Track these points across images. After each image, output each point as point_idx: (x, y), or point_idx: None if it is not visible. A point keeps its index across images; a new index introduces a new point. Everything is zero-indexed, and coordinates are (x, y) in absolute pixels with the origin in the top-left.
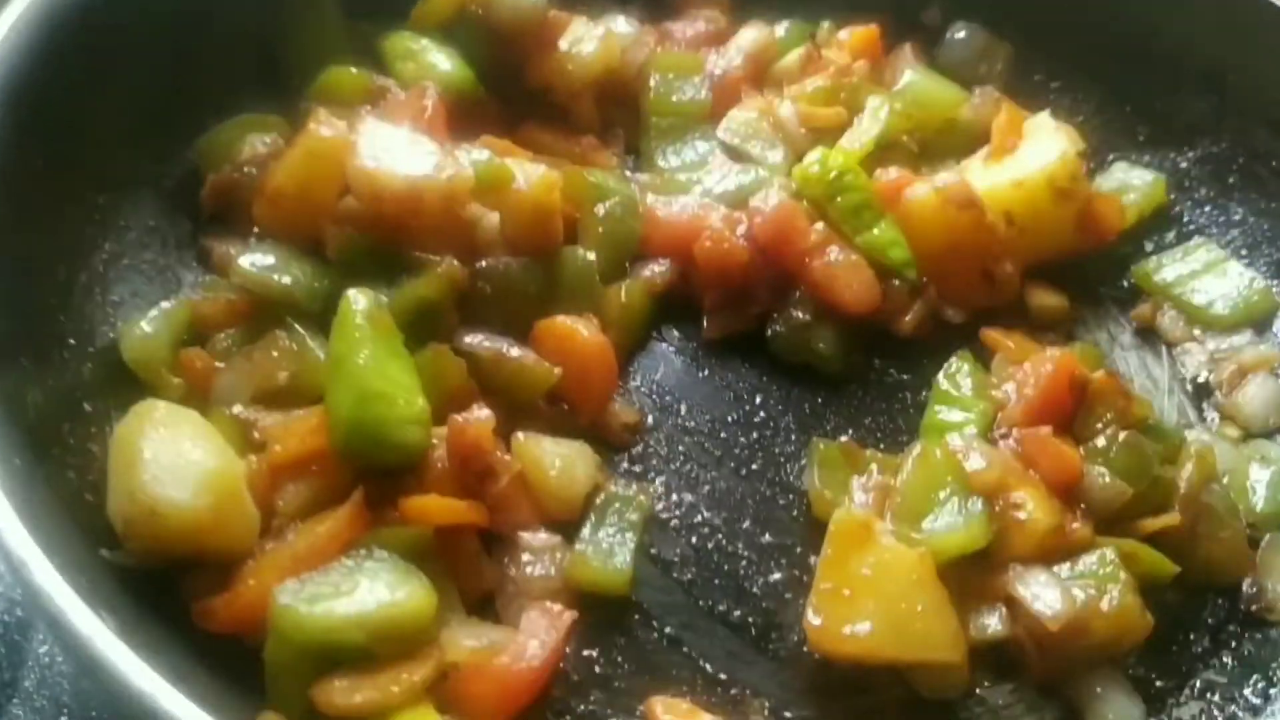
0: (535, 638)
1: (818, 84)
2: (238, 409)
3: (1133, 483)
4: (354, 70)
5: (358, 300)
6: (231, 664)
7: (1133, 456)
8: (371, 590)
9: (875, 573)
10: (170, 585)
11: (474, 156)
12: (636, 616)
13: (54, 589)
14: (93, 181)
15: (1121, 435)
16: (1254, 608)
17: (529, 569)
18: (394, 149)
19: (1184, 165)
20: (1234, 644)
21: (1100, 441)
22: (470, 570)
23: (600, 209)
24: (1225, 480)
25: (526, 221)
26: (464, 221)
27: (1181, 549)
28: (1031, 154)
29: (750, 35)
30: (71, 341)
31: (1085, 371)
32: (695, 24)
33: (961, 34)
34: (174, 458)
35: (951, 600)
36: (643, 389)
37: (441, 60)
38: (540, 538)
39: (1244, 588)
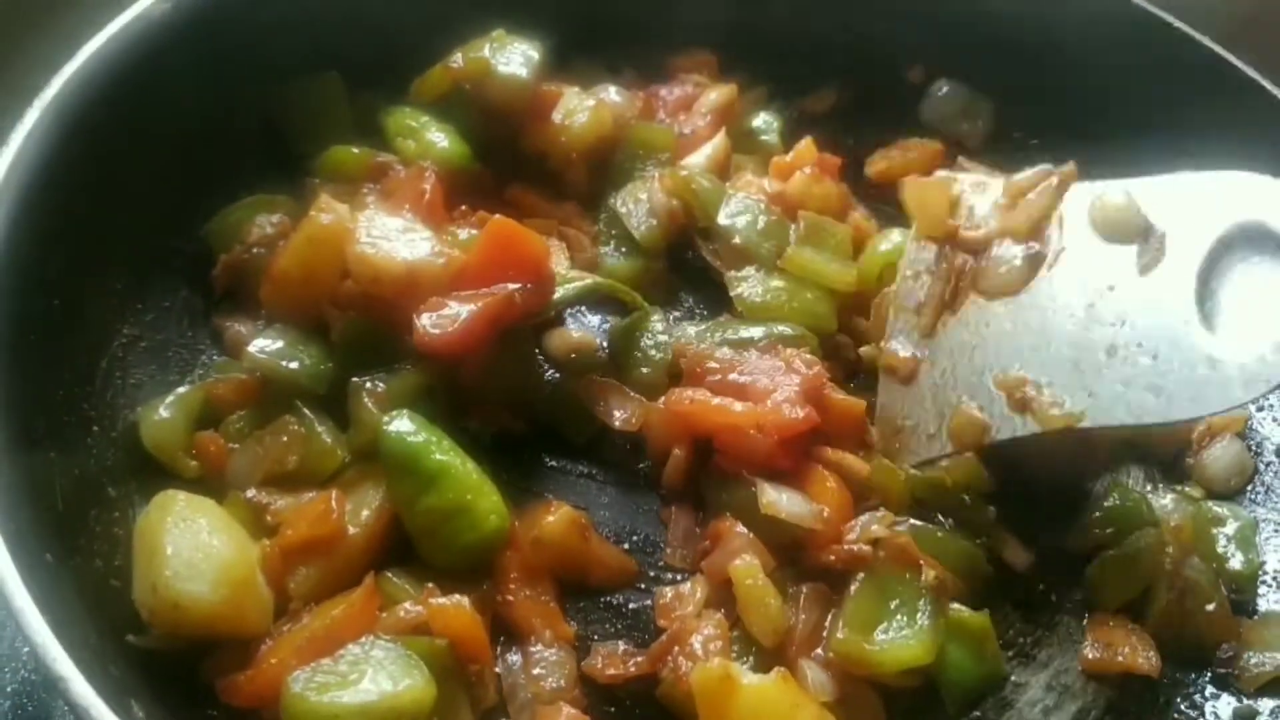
0: None
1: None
2: (251, 493)
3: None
4: (355, 150)
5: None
6: None
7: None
8: (375, 680)
9: (754, 717)
10: (194, 664)
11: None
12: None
13: (88, 702)
14: (110, 269)
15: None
16: (1223, 671)
17: (543, 682)
18: (391, 234)
19: None
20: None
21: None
22: (481, 683)
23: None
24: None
25: None
26: None
27: (1170, 626)
28: None
29: (713, 96)
30: (95, 429)
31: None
32: (684, 87)
33: (944, 91)
34: (193, 551)
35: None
36: None
37: (440, 138)
38: (551, 652)
39: (1219, 651)
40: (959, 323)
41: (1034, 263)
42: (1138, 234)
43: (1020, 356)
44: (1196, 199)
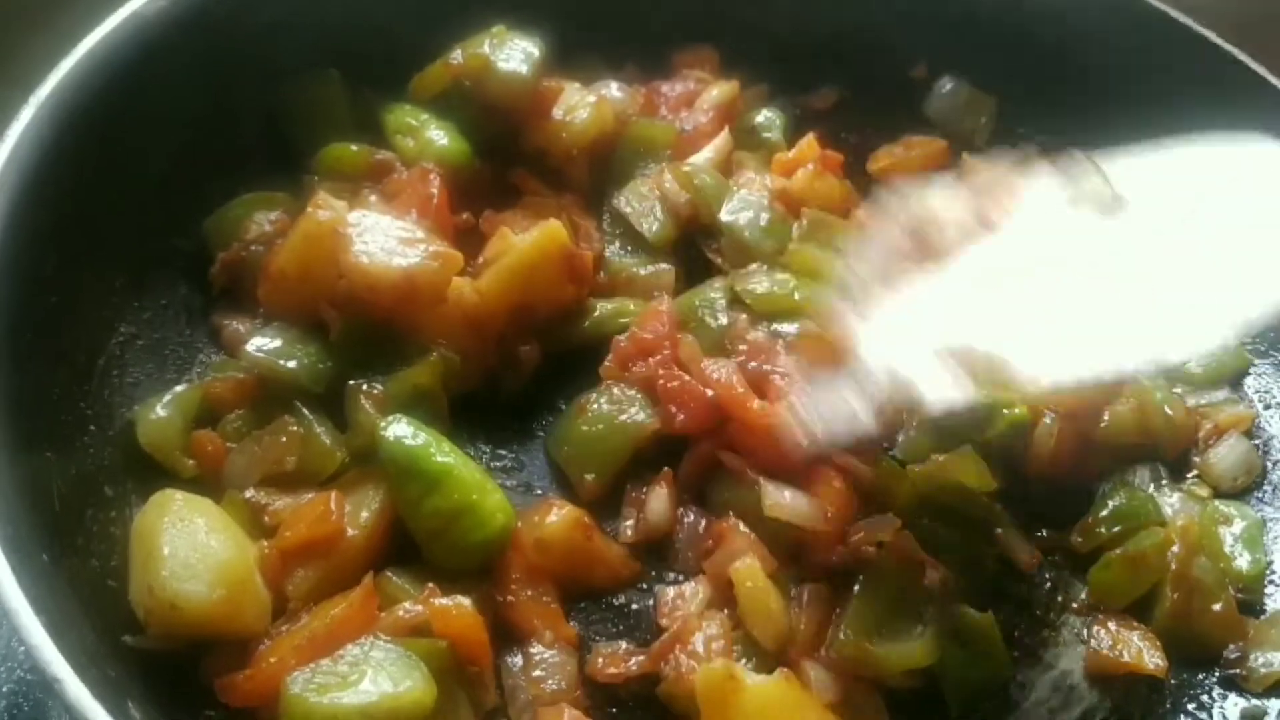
0: None
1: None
2: (249, 493)
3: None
4: (354, 147)
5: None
6: None
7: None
8: (375, 681)
9: (757, 718)
10: (191, 665)
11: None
12: None
13: (84, 704)
14: (107, 267)
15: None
16: (1230, 671)
17: (543, 683)
18: (387, 240)
19: None
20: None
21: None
22: (481, 684)
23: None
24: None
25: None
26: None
27: (1176, 627)
28: None
29: (715, 93)
30: (92, 428)
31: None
32: (686, 84)
33: (948, 88)
34: (190, 551)
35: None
36: None
37: (439, 136)
38: (552, 654)
39: (1226, 652)
40: (905, 297)
41: (983, 233)
42: (1106, 205)
43: (963, 325)
44: (1169, 170)
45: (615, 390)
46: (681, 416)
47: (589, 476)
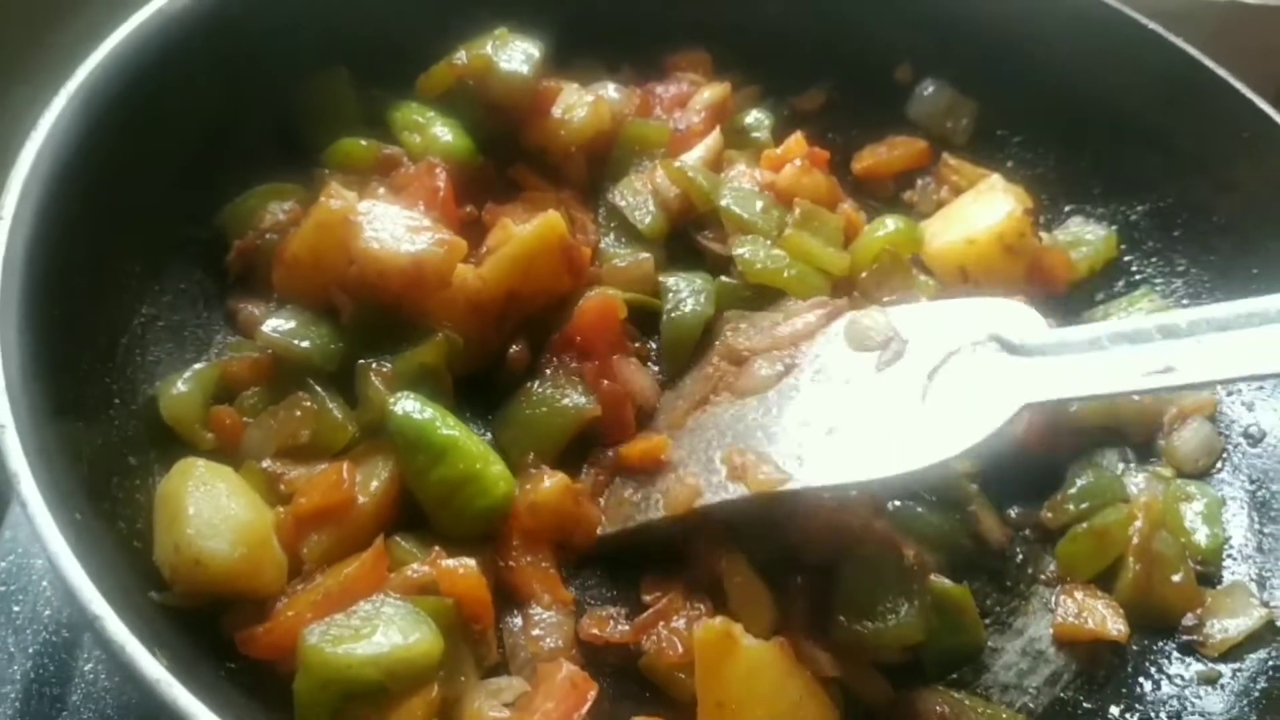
0: (553, 700)
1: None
2: (266, 463)
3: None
4: (364, 142)
5: (408, 403)
6: (267, 694)
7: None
8: (386, 634)
9: (749, 678)
10: (213, 622)
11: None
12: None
13: (122, 639)
14: (130, 253)
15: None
16: (1188, 638)
17: (542, 642)
18: (396, 228)
19: (1134, 218)
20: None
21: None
22: (484, 641)
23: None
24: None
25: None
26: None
27: (1138, 596)
28: (982, 213)
29: (707, 94)
30: (117, 401)
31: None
32: (679, 85)
33: (930, 90)
34: (213, 513)
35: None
36: None
37: (444, 132)
38: (550, 614)
39: (1184, 620)
40: (708, 416)
41: (786, 370)
42: (882, 343)
43: (750, 438)
44: (942, 319)
45: (559, 375)
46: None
47: (529, 458)
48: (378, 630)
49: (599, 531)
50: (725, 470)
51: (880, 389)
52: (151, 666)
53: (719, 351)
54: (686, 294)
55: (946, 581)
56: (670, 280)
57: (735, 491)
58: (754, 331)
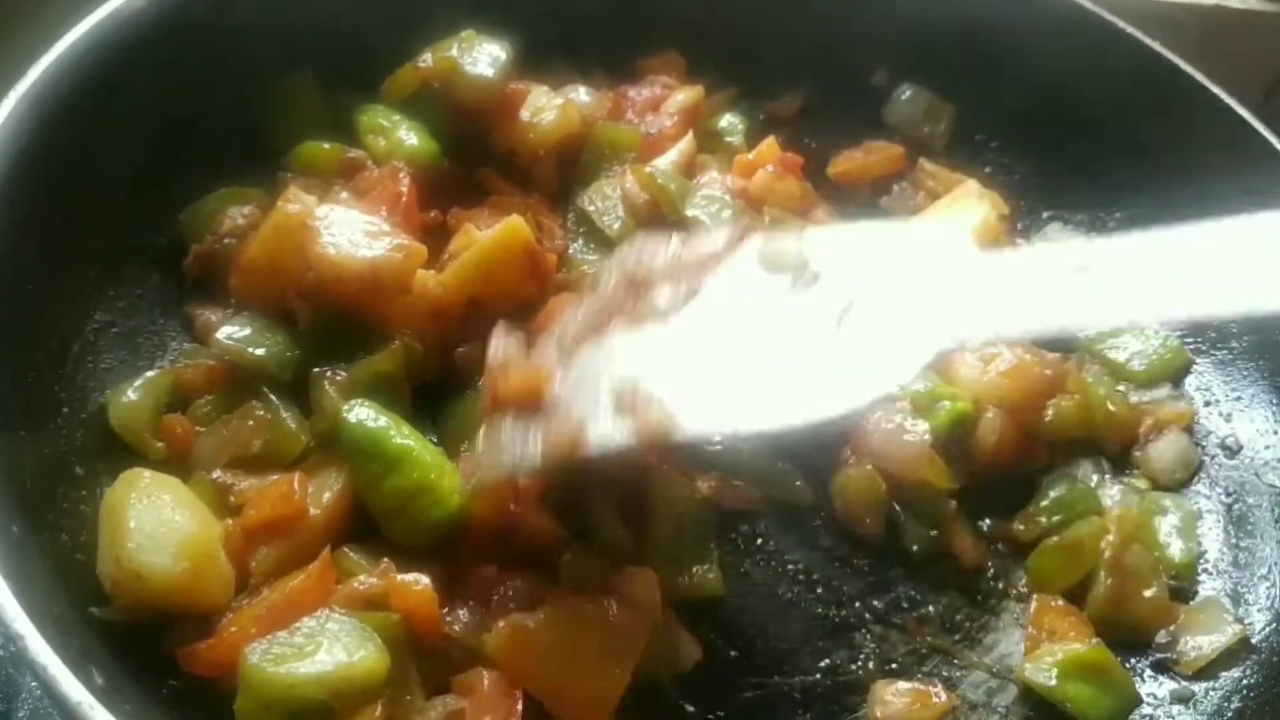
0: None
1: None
2: (216, 474)
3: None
4: (326, 145)
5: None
6: (211, 713)
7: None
8: (331, 652)
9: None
10: (157, 639)
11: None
12: None
13: (47, 661)
14: (84, 257)
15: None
16: (1162, 655)
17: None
18: (354, 233)
19: (1111, 225)
20: None
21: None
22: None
23: None
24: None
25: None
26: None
27: (1110, 611)
28: (957, 219)
29: (680, 98)
30: (65, 410)
31: None
32: (652, 88)
33: (907, 95)
34: (156, 525)
35: None
36: None
37: (409, 136)
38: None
39: (1158, 636)
40: (599, 345)
41: (689, 296)
42: (795, 270)
43: (644, 372)
44: (863, 245)
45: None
46: None
47: (464, 446)
48: (321, 648)
49: (469, 483)
50: (613, 406)
51: (790, 322)
52: (75, 689)
53: (615, 274)
54: None
55: (1079, 647)
56: None
57: (621, 435)
58: (656, 253)
